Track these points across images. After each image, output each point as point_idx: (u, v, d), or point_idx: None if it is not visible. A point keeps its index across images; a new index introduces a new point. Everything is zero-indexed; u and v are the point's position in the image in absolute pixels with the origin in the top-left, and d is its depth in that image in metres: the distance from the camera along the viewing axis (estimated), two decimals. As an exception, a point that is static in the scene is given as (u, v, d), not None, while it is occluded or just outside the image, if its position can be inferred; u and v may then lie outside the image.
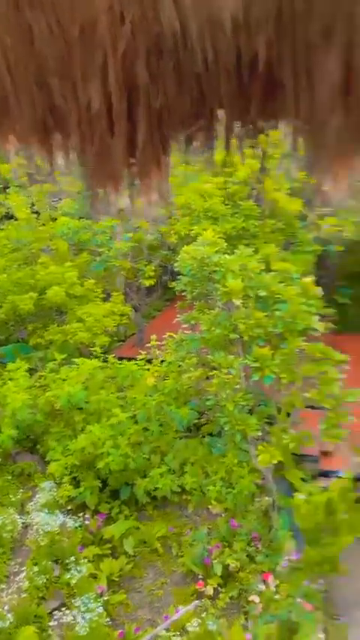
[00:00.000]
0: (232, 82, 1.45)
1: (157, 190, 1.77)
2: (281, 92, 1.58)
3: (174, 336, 8.18)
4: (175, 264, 7.49)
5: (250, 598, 5.82)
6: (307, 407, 7.26)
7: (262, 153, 7.15)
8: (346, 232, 9.61)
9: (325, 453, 8.07)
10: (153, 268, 10.46)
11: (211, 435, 8.26)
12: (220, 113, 1.75)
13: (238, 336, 6.83)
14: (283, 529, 6.56)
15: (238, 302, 6.72)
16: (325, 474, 7.72)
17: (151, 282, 10.47)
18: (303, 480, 7.17)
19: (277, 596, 5.54)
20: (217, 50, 1.40)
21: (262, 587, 5.93)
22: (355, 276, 11.09)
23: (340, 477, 5.76)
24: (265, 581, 5.96)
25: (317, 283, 7.37)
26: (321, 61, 1.43)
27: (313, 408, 7.33)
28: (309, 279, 7.24)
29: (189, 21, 1.42)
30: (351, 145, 1.55)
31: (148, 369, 8.58)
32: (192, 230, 7.95)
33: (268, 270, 7.21)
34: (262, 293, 6.91)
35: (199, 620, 5.41)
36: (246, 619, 5.68)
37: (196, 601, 5.94)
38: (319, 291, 7.17)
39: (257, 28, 1.31)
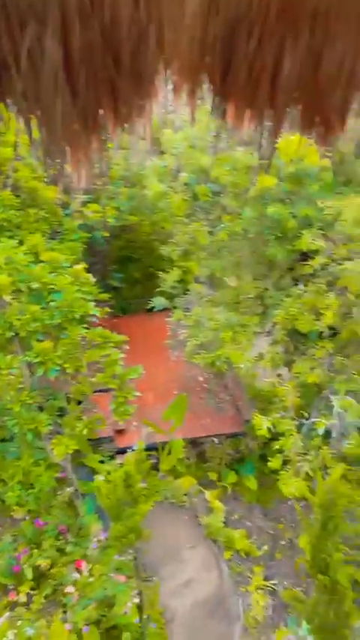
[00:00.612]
0: None
1: None
2: (6, 73, 1.54)
3: None
4: None
5: (66, 590, 5.80)
6: (96, 391, 7.43)
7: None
8: (109, 218, 9.99)
9: (120, 431, 8.42)
10: None
11: (3, 440, 7.84)
12: None
13: (14, 334, 6.57)
14: (89, 514, 6.67)
15: (8, 298, 6.43)
16: (123, 451, 8.06)
17: None
18: (102, 462, 7.37)
19: (91, 579, 5.64)
20: None
21: (77, 575, 5.95)
22: (124, 260, 11.65)
23: (134, 450, 6.08)
24: (78, 569, 6.00)
25: (90, 270, 7.53)
26: (39, 41, 1.43)
27: (102, 391, 7.55)
28: (80, 267, 7.33)
29: None
30: (81, 130, 1.61)
31: None
32: None
33: (37, 261, 7.06)
34: (35, 285, 6.75)
35: (15, 631, 5.17)
36: (64, 612, 5.65)
37: (7, 613, 5.66)
38: (91, 277, 7.34)
39: None
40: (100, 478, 6.07)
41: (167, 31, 1.62)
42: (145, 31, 1.59)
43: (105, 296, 7.58)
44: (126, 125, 1.94)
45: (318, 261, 7.71)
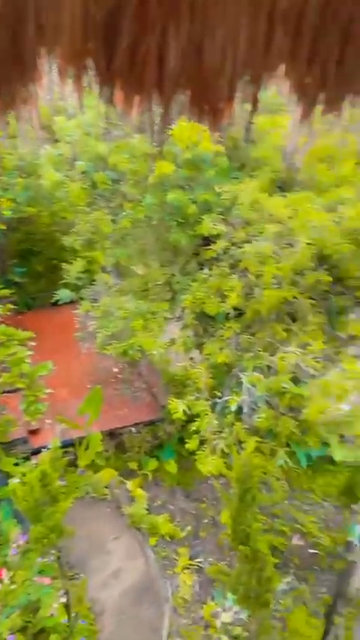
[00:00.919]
0: None
1: None
2: None
3: None
4: None
5: (-13, 602, 5.55)
6: (4, 392, 7.11)
7: None
8: (4, 210, 9.51)
9: (33, 431, 8.14)
10: None
11: None
12: None
13: None
14: (6, 519, 6.40)
15: None
16: (38, 451, 7.82)
17: None
18: (16, 464, 7.09)
19: (13, 587, 5.43)
20: None
21: (-2, 585, 5.71)
22: (25, 254, 11.17)
23: (49, 449, 5.92)
24: (-2, 579, 5.76)
25: (-13, 266, 7.16)
26: None
27: (10, 392, 7.23)
28: (-24, 263, 6.95)
29: None
30: None
31: None
32: None
33: None
34: None
35: None
36: (-12, 625, 5.41)
37: None
38: (-11, 273, 6.99)
39: None
40: (15, 481, 5.85)
41: (46, 15, 1.54)
42: (22, 14, 1.51)
43: (6, 292, 7.26)
44: (11, 112, 1.84)
45: (220, 245, 7.91)
